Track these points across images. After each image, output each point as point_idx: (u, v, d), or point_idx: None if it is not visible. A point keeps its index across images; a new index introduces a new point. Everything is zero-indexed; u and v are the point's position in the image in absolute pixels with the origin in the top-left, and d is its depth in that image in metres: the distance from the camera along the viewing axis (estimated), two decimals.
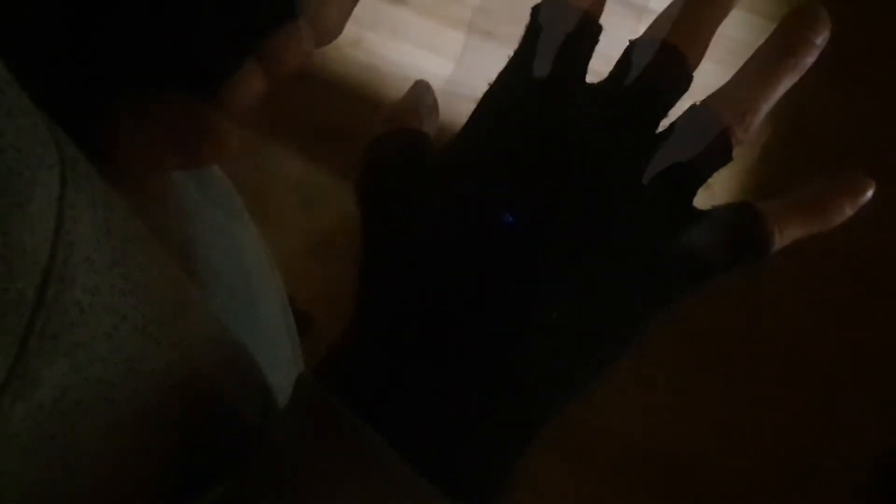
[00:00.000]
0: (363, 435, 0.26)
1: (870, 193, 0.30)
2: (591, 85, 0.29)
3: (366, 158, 0.32)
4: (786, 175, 1.48)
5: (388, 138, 0.32)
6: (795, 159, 1.47)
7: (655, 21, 0.30)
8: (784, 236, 0.30)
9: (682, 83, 0.29)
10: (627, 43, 0.30)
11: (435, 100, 0.33)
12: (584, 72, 0.30)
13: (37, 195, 0.20)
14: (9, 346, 0.20)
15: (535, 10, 0.30)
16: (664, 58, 0.29)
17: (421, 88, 0.33)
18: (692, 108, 0.29)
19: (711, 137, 0.28)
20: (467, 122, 0.30)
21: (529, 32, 0.30)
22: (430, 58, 1.49)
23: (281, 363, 0.40)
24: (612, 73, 0.30)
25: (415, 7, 1.58)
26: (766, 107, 0.29)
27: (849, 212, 0.30)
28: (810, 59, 0.29)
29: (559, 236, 0.27)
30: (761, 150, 1.46)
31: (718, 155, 0.29)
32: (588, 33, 0.29)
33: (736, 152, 0.29)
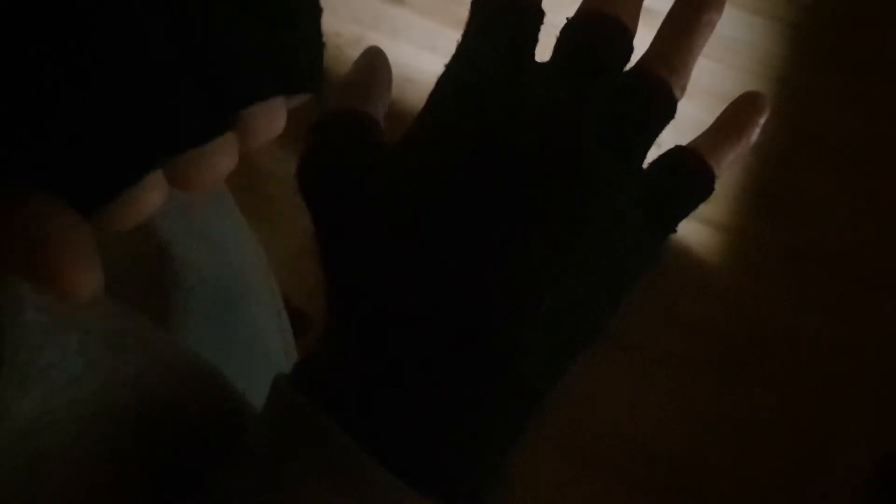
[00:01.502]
0: (334, 437, 0.25)
1: (767, 101, 0.32)
2: (542, 64, 0.29)
3: (308, 145, 0.29)
4: (786, 175, 1.48)
5: (333, 122, 0.29)
6: (796, 159, 1.47)
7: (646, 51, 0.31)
8: (720, 165, 0.31)
9: (668, 110, 0.30)
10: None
11: (389, 72, 0.32)
12: (532, 51, 0.29)
13: None
14: None
15: None
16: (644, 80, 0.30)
17: (374, 58, 0.31)
18: (631, 71, 0.30)
19: (655, 95, 0.29)
20: (421, 113, 0.29)
21: (473, 16, 0.30)
22: (430, 58, 1.49)
23: (271, 365, 0.40)
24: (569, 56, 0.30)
25: (415, 7, 1.58)
26: (693, 61, 0.31)
27: (760, 122, 0.32)
28: (718, 15, 0.31)
29: (542, 222, 0.27)
30: (762, 151, 1.45)
31: (664, 112, 0.30)
32: (531, 14, 0.29)
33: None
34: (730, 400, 1.42)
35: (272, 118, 0.21)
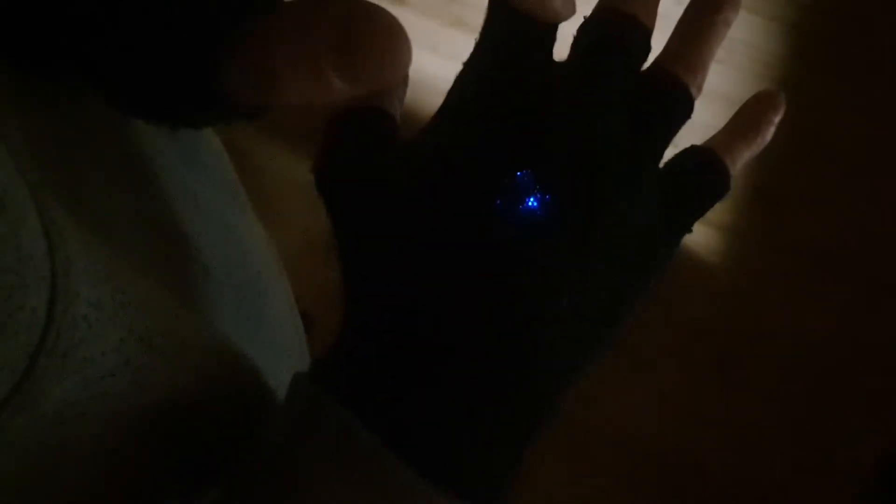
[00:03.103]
0: (354, 433, 0.25)
1: (783, 100, 0.32)
2: (560, 62, 0.29)
3: (325, 142, 0.29)
4: (786, 175, 1.48)
5: (350, 119, 0.29)
6: (796, 159, 1.47)
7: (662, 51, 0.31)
8: (736, 164, 0.31)
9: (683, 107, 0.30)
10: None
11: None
12: (550, 49, 0.29)
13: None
14: (17, 363, 0.20)
15: None
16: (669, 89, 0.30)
17: None
18: (649, 70, 0.30)
19: (673, 95, 0.29)
20: (441, 110, 0.29)
21: (490, 12, 0.29)
22: (431, 58, 1.49)
23: (288, 362, 0.40)
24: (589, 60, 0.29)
25: (415, 7, 1.58)
26: (710, 60, 0.30)
27: (775, 120, 0.32)
28: (735, 14, 0.31)
29: (566, 217, 0.26)
30: (762, 151, 1.46)
31: (682, 111, 0.30)
32: None
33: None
34: (729, 400, 1.42)
35: None
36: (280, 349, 0.40)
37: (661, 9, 0.30)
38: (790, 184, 1.50)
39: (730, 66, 1.47)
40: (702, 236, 1.46)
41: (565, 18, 0.28)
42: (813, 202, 1.50)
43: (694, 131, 0.32)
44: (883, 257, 1.47)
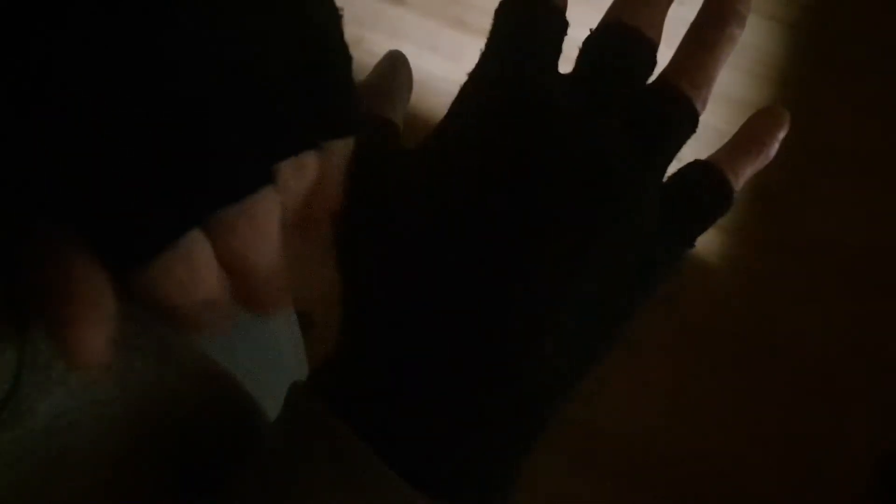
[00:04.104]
0: (350, 444, 0.25)
1: (787, 117, 0.32)
2: (565, 75, 0.29)
3: None
4: (786, 175, 1.48)
5: None
6: (796, 160, 1.47)
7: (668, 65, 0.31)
8: (739, 180, 0.31)
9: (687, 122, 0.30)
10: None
11: (410, 77, 0.31)
12: (555, 60, 0.29)
13: None
14: (2, 381, 0.19)
15: (502, 4, 0.30)
16: (669, 93, 0.30)
17: (395, 62, 0.31)
18: (654, 84, 0.30)
19: (678, 110, 0.29)
20: (446, 120, 0.29)
21: (496, 24, 0.29)
22: (431, 58, 1.49)
23: (284, 372, 0.40)
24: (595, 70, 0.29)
25: (415, 7, 1.58)
26: (716, 75, 0.30)
27: (779, 137, 0.32)
28: (740, 30, 0.31)
29: (564, 231, 0.26)
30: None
31: (686, 126, 0.30)
32: (554, 23, 0.29)
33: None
34: (730, 400, 1.42)
35: (305, 171, 0.22)
36: (277, 359, 0.40)
37: (676, 12, 0.30)
38: (790, 184, 1.49)
39: (730, 66, 1.46)
40: (702, 237, 1.46)
41: None
42: (813, 202, 1.50)
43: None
44: (884, 257, 1.47)
